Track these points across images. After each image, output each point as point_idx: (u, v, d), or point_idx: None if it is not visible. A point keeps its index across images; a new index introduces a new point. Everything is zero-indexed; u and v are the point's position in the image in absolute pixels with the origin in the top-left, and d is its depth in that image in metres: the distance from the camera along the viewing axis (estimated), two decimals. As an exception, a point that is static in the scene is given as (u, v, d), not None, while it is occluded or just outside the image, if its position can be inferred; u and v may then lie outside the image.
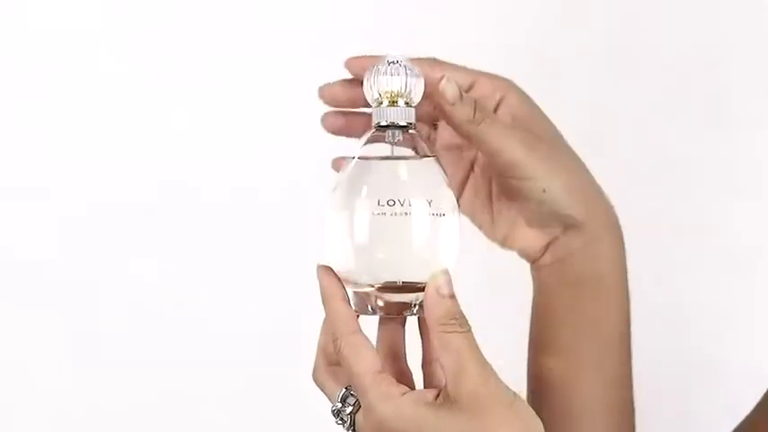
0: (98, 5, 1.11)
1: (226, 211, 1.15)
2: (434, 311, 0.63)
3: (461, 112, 0.69)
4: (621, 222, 0.77)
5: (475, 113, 0.69)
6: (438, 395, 0.62)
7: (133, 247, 1.14)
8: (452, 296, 0.63)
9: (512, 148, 0.71)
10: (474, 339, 0.63)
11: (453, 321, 0.62)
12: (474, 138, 0.70)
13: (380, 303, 0.66)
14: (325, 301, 0.66)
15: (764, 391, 0.78)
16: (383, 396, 0.62)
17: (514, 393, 0.62)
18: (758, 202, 1.17)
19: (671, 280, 1.17)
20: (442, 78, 0.68)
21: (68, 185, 1.13)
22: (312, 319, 0.69)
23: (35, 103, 1.12)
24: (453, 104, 0.68)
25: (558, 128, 0.76)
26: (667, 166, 1.16)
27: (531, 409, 0.63)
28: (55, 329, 1.14)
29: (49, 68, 1.11)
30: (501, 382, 0.62)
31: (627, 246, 0.78)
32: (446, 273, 0.64)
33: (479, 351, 0.63)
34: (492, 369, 0.62)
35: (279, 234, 1.15)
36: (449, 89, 0.68)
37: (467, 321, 0.63)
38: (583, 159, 0.76)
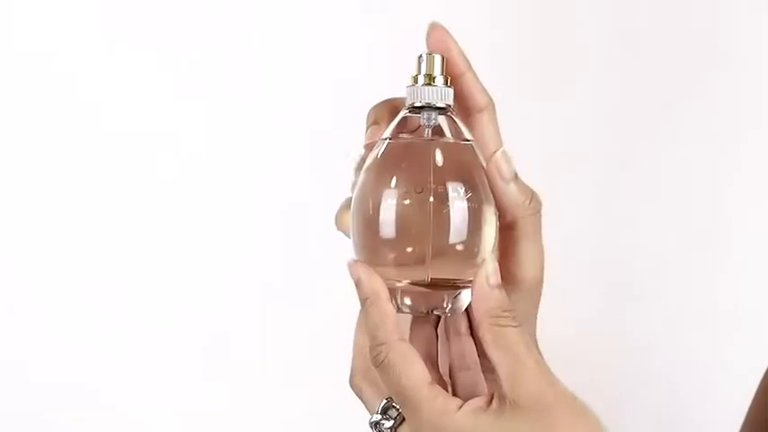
0: (98, 6, 1.10)
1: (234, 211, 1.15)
2: (485, 303, 0.57)
3: (516, 195, 0.60)
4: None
5: (531, 201, 0.61)
6: (491, 400, 0.57)
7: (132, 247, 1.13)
8: (501, 287, 0.58)
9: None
10: (527, 335, 0.58)
11: (506, 314, 0.57)
12: (520, 223, 0.61)
13: (408, 302, 0.60)
14: (371, 301, 0.59)
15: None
16: (441, 412, 0.56)
17: (573, 392, 0.57)
18: (756, 204, 1.17)
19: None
20: (496, 150, 0.60)
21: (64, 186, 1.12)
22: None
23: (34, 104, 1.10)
24: (508, 183, 0.60)
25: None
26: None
27: (590, 407, 0.58)
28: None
29: (49, 68, 1.10)
30: (559, 380, 0.58)
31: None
32: (494, 261, 0.58)
33: (535, 347, 0.58)
34: (547, 366, 0.58)
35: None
36: (504, 163, 0.60)
37: (518, 314, 0.58)
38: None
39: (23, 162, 1.11)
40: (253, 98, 1.15)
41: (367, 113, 0.63)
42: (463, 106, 0.63)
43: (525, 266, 0.62)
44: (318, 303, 1.13)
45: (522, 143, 1.14)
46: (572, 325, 1.16)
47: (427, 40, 0.61)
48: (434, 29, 0.61)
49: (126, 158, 1.13)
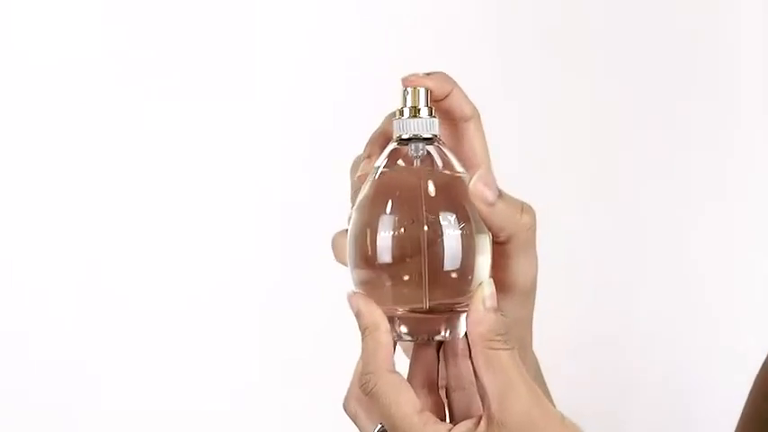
0: (99, 6, 1.10)
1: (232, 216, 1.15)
2: (479, 326, 0.59)
3: (504, 214, 0.61)
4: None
5: (522, 215, 0.62)
6: (479, 422, 0.58)
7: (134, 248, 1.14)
8: (497, 310, 0.59)
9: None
10: (518, 358, 0.59)
11: (498, 338, 0.58)
12: (513, 239, 0.62)
13: (407, 329, 0.61)
14: (369, 331, 0.60)
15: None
16: None
17: (562, 413, 0.59)
18: (755, 204, 1.17)
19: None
20: (473, 176, 0.61)
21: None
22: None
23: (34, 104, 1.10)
24: (493, 205, 0.61)
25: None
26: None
27: (579, 427, 0.59)
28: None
29: (50, 69, 1.10)
30: (548, 401, 0.59)
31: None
32: (491, 285, 0.60)
33: (525, 370, 0.59)
34: (538, 388, 0.59)
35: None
36: (484, 189, 0.60)
37: (511, 338, 0.59)
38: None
39: (23, 163, 1.11)
40: (252, 98, 1.15)
41: (365, 145, 0.65)
42: (451, 118, 0.65)
43: (517, 275, 0.63)
44: (318, 304, 1.13)
45: (521, 143, 1.16)
46: (571, 325, 1.17)
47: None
48: (405, 81, 0.63)
49: (125, 159, 1.13)
